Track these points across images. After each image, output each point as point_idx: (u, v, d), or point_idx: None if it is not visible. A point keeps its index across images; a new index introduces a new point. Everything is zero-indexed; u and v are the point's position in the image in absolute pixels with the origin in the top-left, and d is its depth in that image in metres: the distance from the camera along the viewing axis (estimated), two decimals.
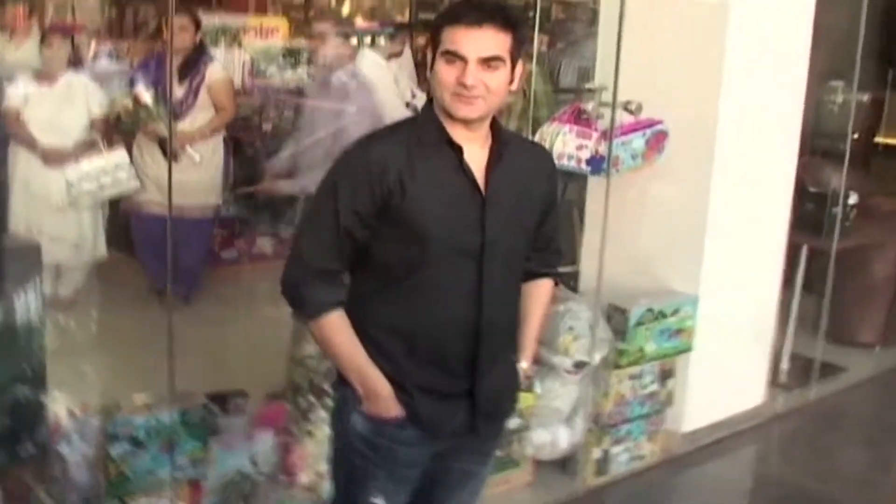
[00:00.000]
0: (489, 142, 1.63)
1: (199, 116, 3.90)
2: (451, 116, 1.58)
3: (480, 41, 1.53)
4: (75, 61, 4.19)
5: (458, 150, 1.58)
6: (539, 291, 1.79)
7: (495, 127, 1.64)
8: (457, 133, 1.59)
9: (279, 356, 2.64)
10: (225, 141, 4.12)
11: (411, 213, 1.56)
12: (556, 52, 4.53)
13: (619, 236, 2.96)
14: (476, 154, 1.61)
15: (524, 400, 2.57)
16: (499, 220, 1.60)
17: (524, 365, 1.77)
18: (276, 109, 4.95)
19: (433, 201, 1.58)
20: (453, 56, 1.54)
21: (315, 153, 3.08)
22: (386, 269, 1.61)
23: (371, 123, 3.08)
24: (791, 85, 3.18)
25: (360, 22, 5.59)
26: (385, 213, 1.57)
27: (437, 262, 1.58)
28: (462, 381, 1.64)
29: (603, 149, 2.71)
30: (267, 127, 4.95)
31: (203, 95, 3.92)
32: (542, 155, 1.88)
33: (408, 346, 1.62)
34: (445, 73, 1.55)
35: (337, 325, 1.61)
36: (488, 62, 1.54)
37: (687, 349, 3.02)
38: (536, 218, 1.71)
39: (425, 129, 1.60)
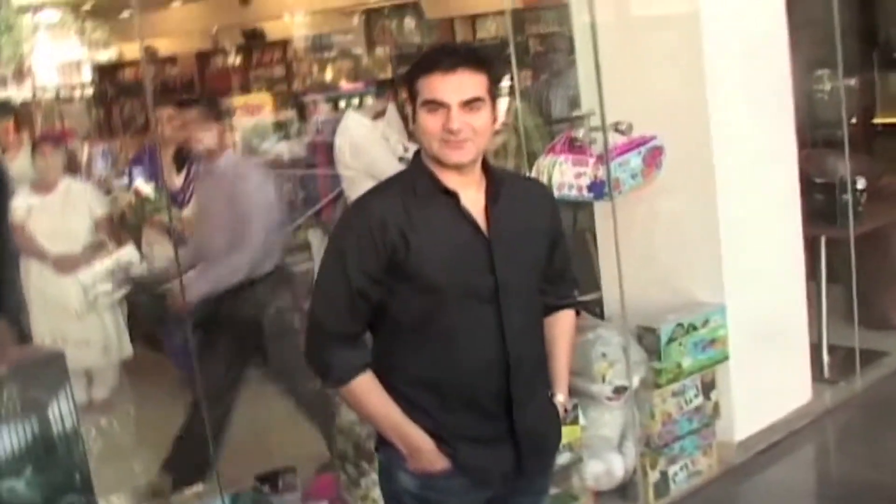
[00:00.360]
0: (483, 183, 1.68)
1: None
2: (442, 164, 1.63)
3: (458, 85, 1.59)
4: (72, 167, 4.34)
5: (454, 196, 1.64)
6: (561, 323, 1.84)
7: (487, 168, 1.69)
8: (450, 180, 1.64)
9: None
10: None
11: (418, 265, 1.61)
12: (540, 85, 4.65)
13: (635, 257, 3.02)
14: (472, 197, 1.66)
15: (570, 433, 2.61)
16: (508, 260, 1.65)
17: (560, 398, 1.81)
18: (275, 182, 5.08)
19: (438, 250, 1.62)
20: (434, 104, 1.60)
21: (214, 246, 2.96)
22: (405, 323, 1.66)
23: (266, 204, 2.98)
24: (776, 79, 3.25)
25: (344, 85, 5.76)
26: (393, 269, 1.61)
27: (453, 309, 1.63)
28: (501, 424, 1.68)
29: (601, 173, 2.77)
30: None
31: None
32: (539, 188, 1.95)
33: (440, 397, 1.66)
34: (429, 122, 1.61)
35: (367, 387, 1.66)
36: (469, 104, 1.60)
37: (724, 358, 3.06)
38: (545, 252, 1.75)
39: (418, 181, 1.65)
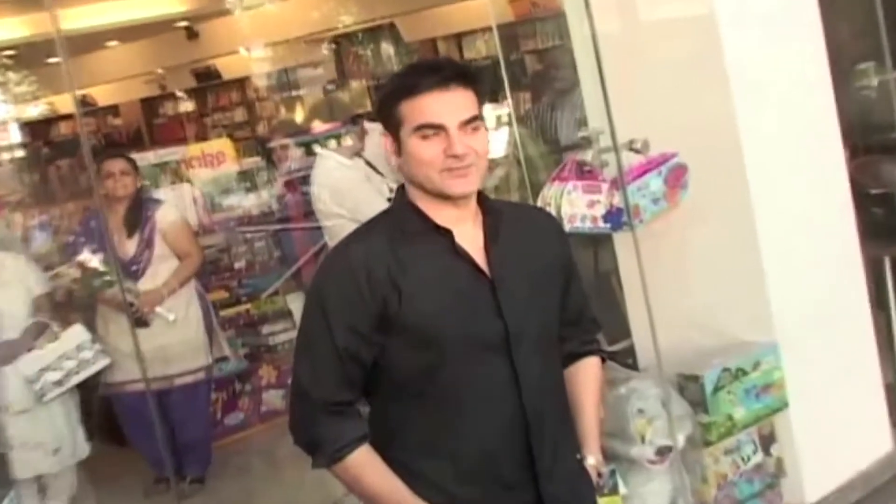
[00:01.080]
0: (479, 217, 1.74)
1: (162, 269, 4.12)
2: (442, 197, 1.67)
3: (453, 104, 1.65)
4: (5, 241, 4.44)
5: (447, 234, 1.68)
6: (586, 373, 1.89)
7: (482, 199, 1.75)
8: (442, 215, 1.69)
9: None
10: (198, 291, 4.33)
11: (414, 315, 1.64)
12: (542, 107, 4.75)
13: (667, 295, 3.10)
14: (469, 234, 1.71)
15: None
16: (516, 302, 1.69)
17: (591, 461, 1.85)
18: (247, 242, 5.21)
19: (435, 297, 1.66)
20: (429, 128, 1.64)
21: None
22: (405, 384, 1.69)
23: None
24: (812, 78, 3.34)
25: (318, 126, 5.89)
26: (385, 323, 1.64)
27: (460, 363, 1.67)
28: (525, 494, 1.72)
29: (618, 199, 2.83)
30: (240, 265, 5.20)
31: (159, 245, 4.15)
32: (544, 218, 2.01)
33: (451, 467, 1.69)
34: (426, 150, 1.65)
35: (365, 463, 1.68)
36: (468, 124, 1.65)
37: (783, 406, 3.11)
38: (558, 288, 1.81)
39: (405, 219, 1.70)
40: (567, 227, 2.82)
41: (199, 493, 4.17)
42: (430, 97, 1.64)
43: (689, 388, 2.95)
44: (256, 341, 5.18)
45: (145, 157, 5.23)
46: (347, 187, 4.04)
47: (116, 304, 3.90)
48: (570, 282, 1.86)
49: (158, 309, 4.02)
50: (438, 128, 1.65)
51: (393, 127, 1.70)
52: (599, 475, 1.90)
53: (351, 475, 1.71)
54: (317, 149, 5.06)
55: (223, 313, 5.01)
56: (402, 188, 1.77)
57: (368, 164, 4.20)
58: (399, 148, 1.70)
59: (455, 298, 1.69)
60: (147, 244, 4.14)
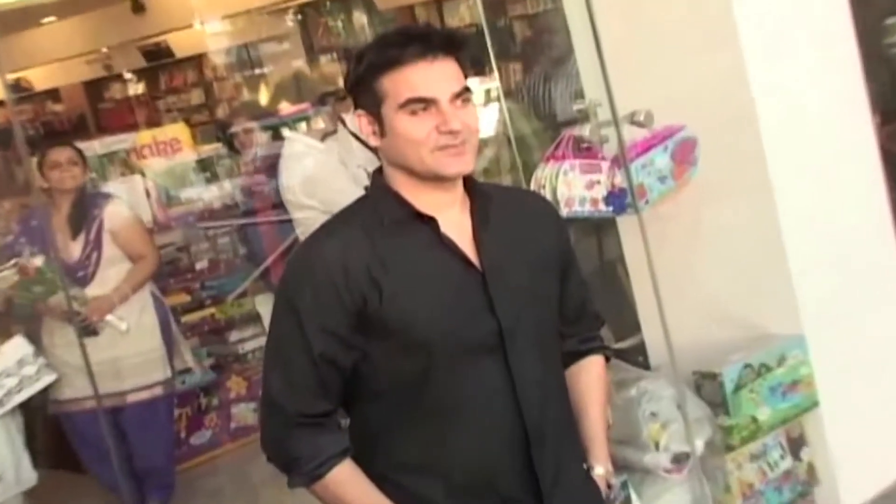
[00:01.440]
0: (467, 202, 1.75)
1: (112, 273, 4.11)
2: (430, 180, 1.69)
3: (442, 74, 1.67)
4: None
5: (431, 222, 1.70)
6: (589, 373, 1.91)
7: (468, 181, 1.76)
8: (427, 200, 1.70)
9: None
10: (155, 295, 4.31)
11: (397, 315, 1.66)
12: (535, 79, 4.76)
13: (679, 285, 3.11)
14: (455, 221, 1.73)
15: None
16: (510, 297, 1.71)
17: (599, 470, 1.87)
18: (208, 239, 5.19)
19: (420, 295, 1.67)
20: (419, 103, 1.65)
21: None
22: (389, 392, 1.71)
23: None
24: (835, 36, 3.34)
25: (286, 108, 5.88)
26: (365, 324, 1.66)
27: (449, 367, 1.68)
28: None
29: (620, 179, 2.84)
30: (202, 264, 5.18)
31: (108, 246, 4.13)
32: (538, 202, 2.03)
33: (445, 483, 1.72)
34: (416, 127, 1.65)
35: (348, 479, 1.70)
36: (459, 97, 1.67)
37: (812, 405, 3.13)
38: (556, 280, 1.83)
39: (384, 207, 1.71)
40: (564, 212, 2.84)
41: None
42: (416, 68, 1.66)
43: (707, 388, 2.96)
44: (223, 350, 5.18)
45: (91, 147, 5.20)
46: (320, 176, 4.04)
47: (60, 314, 3.89)
48: (568, 272, 1.87)
49: (109, 317, 4.01)
50: (429, 102, 1.66)
51: (372, 105, 1.70)
52: (609, 486, 1.91)
53: (332, 494, 1.72)
54: (285, 132, 5.05)
55: (185, 319, 5.01)
56: (378, 172, 1.77)
57: (352, 133, 4.17)
58: (381, 128, 1.70)
59: (442, 296, 1.70)
60: (94, 245, 4.12)
